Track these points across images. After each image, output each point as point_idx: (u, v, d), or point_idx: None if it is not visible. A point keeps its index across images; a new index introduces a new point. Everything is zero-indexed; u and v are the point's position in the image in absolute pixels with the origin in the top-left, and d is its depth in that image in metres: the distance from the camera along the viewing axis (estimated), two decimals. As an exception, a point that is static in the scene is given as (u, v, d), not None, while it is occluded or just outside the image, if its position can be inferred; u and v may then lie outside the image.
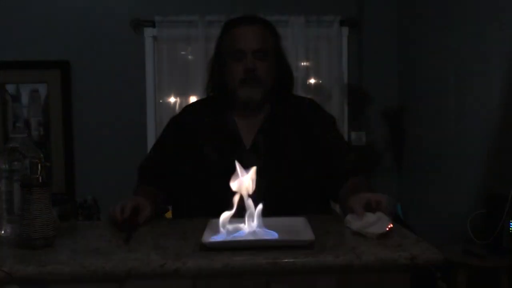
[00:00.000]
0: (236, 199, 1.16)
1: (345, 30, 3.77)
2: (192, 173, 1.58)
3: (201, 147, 1.58)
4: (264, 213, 1.17)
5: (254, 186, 1.17)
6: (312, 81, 3.77)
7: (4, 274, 1.00)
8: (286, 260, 1.03)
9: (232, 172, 1.16)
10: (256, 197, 1.18)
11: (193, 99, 3.66)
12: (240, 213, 1.17)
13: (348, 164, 1.58)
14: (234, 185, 1.16)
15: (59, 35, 3.68)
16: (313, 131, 1.60)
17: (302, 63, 3.70)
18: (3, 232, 1.28)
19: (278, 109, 1.62)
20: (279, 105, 1.62)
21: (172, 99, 3.73)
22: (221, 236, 1.14)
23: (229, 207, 1.16)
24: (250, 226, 1.15)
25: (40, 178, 1.15)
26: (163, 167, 1.63)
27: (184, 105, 3.67)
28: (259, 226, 1.15)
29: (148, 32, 3.72)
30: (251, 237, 1.13)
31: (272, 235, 1.15)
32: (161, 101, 3.72)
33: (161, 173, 1.62)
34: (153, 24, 3.68)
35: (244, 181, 1.16)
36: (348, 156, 1.61)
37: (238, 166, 1.17)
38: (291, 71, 1.66)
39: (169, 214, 2.30)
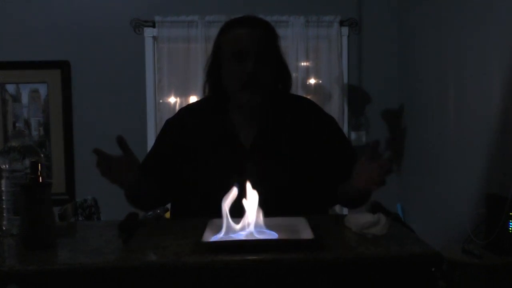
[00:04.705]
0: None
1: (345, 30, 3.78)
2: (190, 175, 1.55)
3: (198, 148, 1.56)
4: (264, 213, 1.17)
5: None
6: (312, 81, 3.77)
7: (4, 274, 1.00)
8: (286, 260, 1.03)
9: (230, 173, 1.15)
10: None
11: (193, 99, 3.67)
12: (240, 213, 1.17)
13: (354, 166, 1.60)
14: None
15: (59, 35, 3.69)
16: (315, 132, 1.59)
17: (302, 63, 3.71)
18: (3, 232, 1.28)
19: (277, 109, 1.60)
20: (278, 104, 1.60)
21: (172, 99, 3.73)
22: (221, 236, 1.14)
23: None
24: (250, 226, 1.15)
25: (41, 178, 1.15)
26: (154, 170, 1.59)
27: (184, 105, 3.68)
28: (259, 226, 1.15)
29: (148, 32, 3.72)
30: (251, 237, 1.13)
31: (272, 235, 1.15)
32: (161, 101, 3.73)
33: (151, 175, 1.58)
34: (153, 24, 3.69)
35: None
36: (354, 158, 1.62)
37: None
38: (289, 71, 1.64)
39: (168, 214, 2.30)
